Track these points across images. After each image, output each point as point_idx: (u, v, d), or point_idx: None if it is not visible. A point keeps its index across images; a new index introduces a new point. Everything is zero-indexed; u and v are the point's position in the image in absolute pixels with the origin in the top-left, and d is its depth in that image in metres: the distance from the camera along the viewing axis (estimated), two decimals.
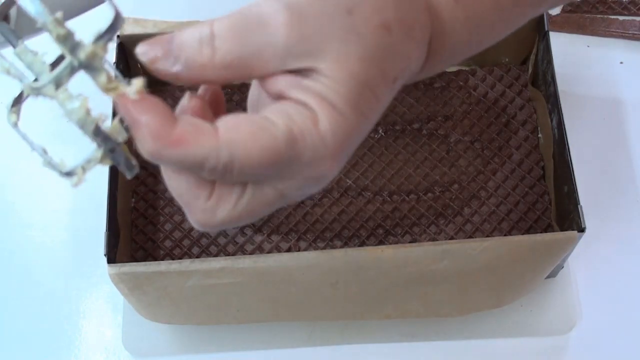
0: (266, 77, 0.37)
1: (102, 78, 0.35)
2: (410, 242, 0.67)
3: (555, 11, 0.82)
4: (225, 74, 0.36)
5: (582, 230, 0.60)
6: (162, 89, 0.74)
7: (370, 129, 0.38)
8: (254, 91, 0.42)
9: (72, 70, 0.35)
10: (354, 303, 0.63)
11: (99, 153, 0.36)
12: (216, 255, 0.67)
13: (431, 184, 0.69)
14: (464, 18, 0.40)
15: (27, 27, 0.47)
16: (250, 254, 0.67)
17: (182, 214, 0.69)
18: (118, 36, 0.69)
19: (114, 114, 0.56)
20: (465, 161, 0.70)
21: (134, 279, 0.60)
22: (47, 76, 0.35)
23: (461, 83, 0.73)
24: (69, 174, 0.36)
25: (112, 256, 0.62)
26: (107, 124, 0.36)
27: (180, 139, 0.35)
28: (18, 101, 0.38)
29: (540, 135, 0.71)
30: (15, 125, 0.38)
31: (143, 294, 0.62)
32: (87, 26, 0.92)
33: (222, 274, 0.60)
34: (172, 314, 0.64)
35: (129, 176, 0.37)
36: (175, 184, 0.38)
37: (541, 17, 0.69)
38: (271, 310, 0.64)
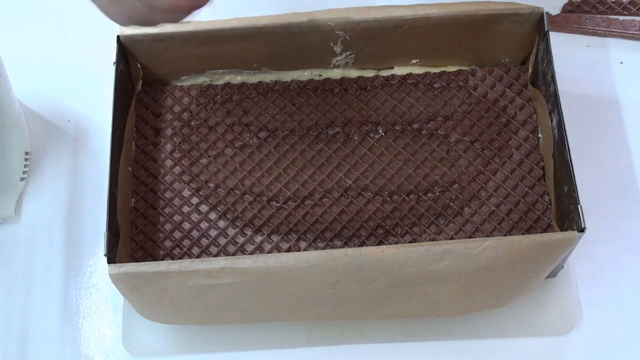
0: None
1: None
2: (410, 242, 0.67)
3: (555, 11, 0.82)
4: None
5: (582, 230, 0.61)
6: (162, 88, 0.74)
7: None
8: None
9: None
10: (354, 303, 0.63)
11: None
12: (216, 255, 0.67)
13: (431, 184, 0.69)
14: None
15: None
16: (250, 254, 0.67)
17: (182, 214, 0.69)
18: (118, 36, 0.69)
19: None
20: (465, 161, 0.70)
21: (134, 279, 0.60)
22: None
23: (461, 83, 0.73)
24: None
25: (112, 256, 0.62)
26: None
27: None
28: None
29: (540, 135, 0.71)
30: None
31: (143, 294, 0.62)
32: (88, 26, 0.92)
33: (222, 274, 0.60)
34: (172, 314, 0.64)
35: None
36: None
37: (541, 17, 0.69)
38: (271, 310, 0.64)
